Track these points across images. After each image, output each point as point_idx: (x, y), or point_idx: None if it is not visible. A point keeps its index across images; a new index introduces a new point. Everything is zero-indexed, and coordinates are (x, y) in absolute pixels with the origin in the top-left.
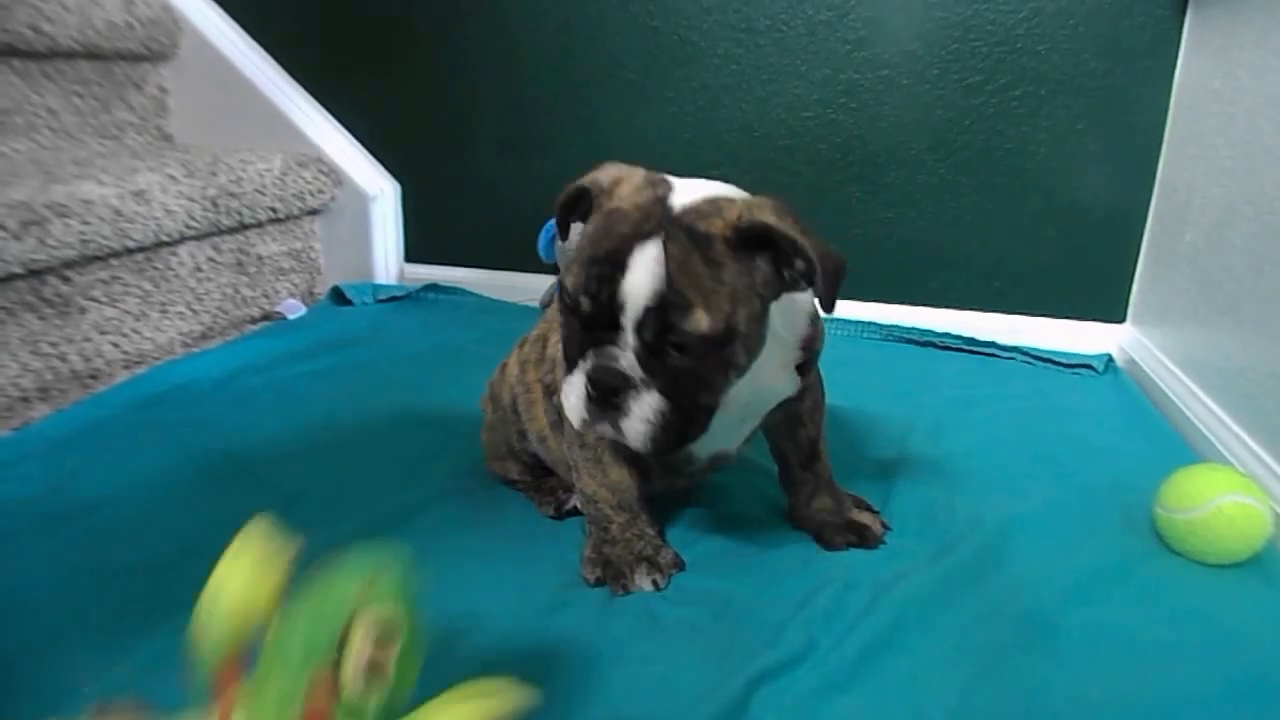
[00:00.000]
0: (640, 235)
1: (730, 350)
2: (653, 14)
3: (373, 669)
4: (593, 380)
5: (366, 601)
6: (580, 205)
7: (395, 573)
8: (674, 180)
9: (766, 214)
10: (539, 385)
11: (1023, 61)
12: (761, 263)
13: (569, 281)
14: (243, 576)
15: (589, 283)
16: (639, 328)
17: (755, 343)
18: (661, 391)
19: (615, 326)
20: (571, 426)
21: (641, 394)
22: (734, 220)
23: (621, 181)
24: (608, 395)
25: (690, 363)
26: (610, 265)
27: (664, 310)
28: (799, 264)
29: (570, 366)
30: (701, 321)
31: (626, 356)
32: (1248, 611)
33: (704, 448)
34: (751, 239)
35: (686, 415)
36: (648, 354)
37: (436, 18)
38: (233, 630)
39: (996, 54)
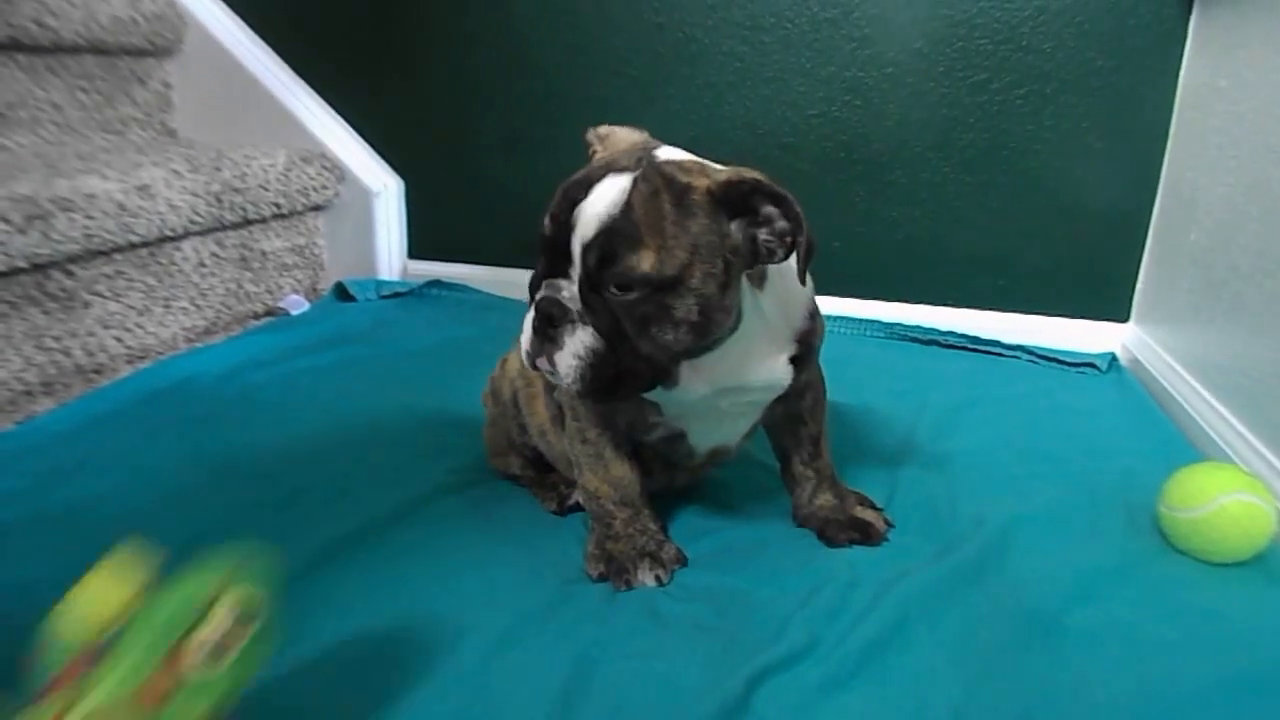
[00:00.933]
0: (613, 169)
1: (677, 301)
2: (657, 11)
3: (219, 649)
4: (537, 309)
5: (230, 585)
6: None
7: (257, 569)
8: (668, 146)
9: (756, 173)
10: (540, 379)
11: (1028, 60)
12: (735, 228)
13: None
14: (97, 584)
15: (554, 206)
16: (585, 252)
17: (716, 309)
18: (597, 329)
19: (566, 258)
20: (573, 424)
21: (577, 328)
22: (722, 180)
23: (619, 138)
24: (546, 325)
25: (630, 303)
26: (578, 189)
27: (610, 237)
28: (780, 224)
29: (530, 301)
30: (645, 259)
31: (571, 288)
32: (1252, 610)
33: (703, 442)
34: (733, 199)
35: (622, 362)
36: (589, 286)
37: (441, 14)
38: (83, 630)
39: (1001, 52)
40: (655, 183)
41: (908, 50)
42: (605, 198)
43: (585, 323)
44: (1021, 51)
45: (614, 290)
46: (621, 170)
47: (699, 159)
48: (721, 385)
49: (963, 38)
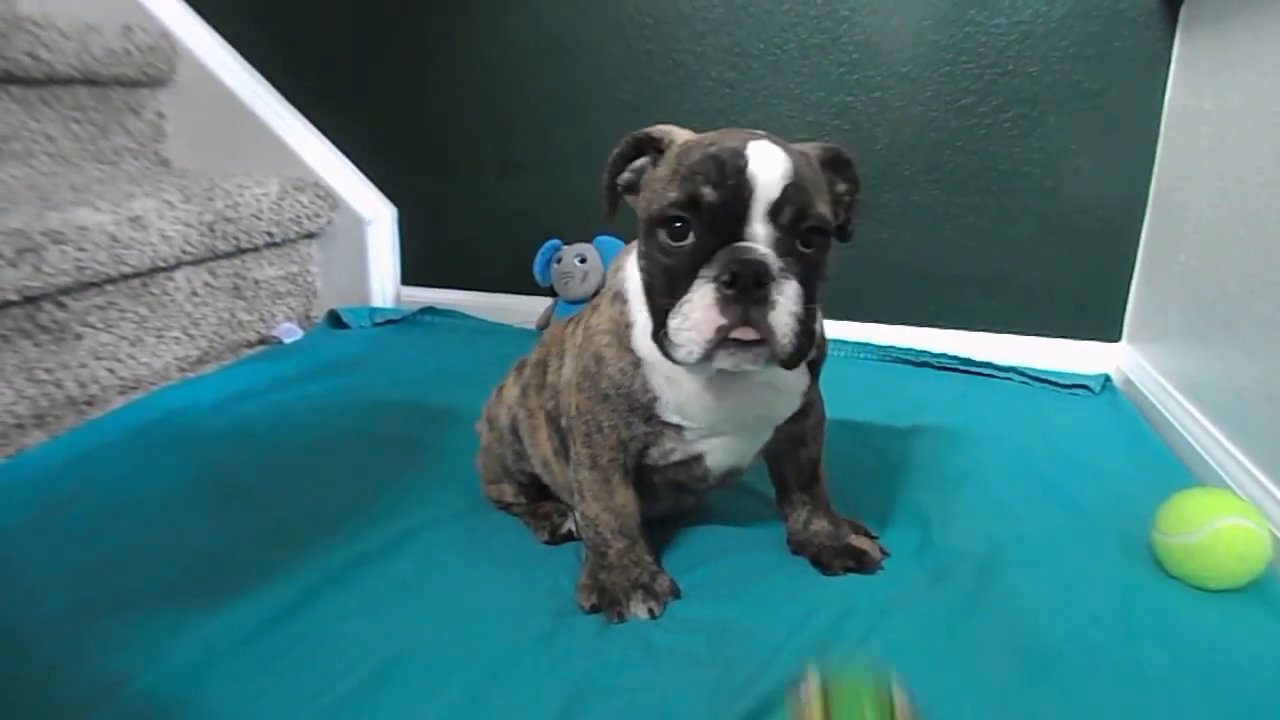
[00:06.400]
0: (749, 139)
1: (828, 254)
2: (647, 38)
3: None
4: (735, 274)
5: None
6: (639, 155)
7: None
8: None
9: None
10: (541, 411)
11: (1015, 83)
12: (832, 183)
13: (675, 191)
14: None
15: (711, 171)
16: (775, 212)
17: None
18: (799, 282)
19: (740, 222)
20: (583, 450)
21: (785, 284)
22: (822, 145)
23: (678, 133)
24: (751, 288)
25: (811, 255)
26: (732, 155)
27: (798, 191)
28: (843, 187)
29: (684, 286)
30: (825, 208)
31: (760, 248)
32: (1247, 637)
33: (719, 463)
34: (828, 163)
35: (808, 320)
36: (787, 239)
37: (433, 43)
38: None
39: (988, 76)
40: (790, 148)
41: (895, 74)
42: (775, 158)
43: (788, 278)
44: (1008, 75)
45: (802, 245)
46: (755, 139)
47: None
48: (753, 396)
49: (949, 62)
